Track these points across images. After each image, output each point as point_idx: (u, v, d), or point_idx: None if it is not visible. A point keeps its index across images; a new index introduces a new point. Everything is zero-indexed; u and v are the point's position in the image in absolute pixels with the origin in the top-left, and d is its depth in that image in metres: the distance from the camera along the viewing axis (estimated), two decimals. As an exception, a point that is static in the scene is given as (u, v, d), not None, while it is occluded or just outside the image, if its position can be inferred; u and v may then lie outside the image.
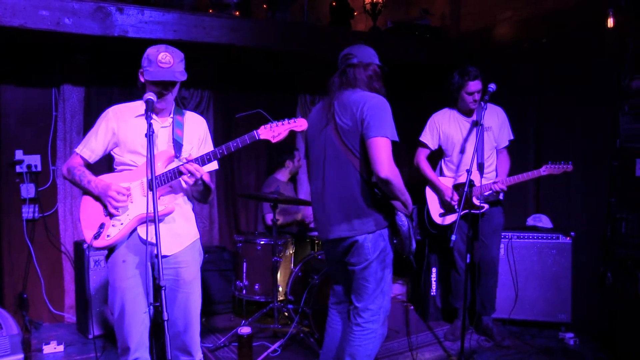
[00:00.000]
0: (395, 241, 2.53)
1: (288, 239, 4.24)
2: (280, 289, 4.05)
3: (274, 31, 4.08)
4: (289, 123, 2.33)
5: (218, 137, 4.74)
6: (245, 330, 3.34)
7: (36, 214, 4.06)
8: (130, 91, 4.13)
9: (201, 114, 4.60)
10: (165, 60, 2.29)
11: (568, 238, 3.88)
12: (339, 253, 2.60)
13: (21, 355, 2.79)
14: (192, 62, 4.45)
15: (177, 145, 2.38)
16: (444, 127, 3.71)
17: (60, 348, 3.58)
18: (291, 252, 4.27)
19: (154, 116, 2.34)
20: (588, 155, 3.92)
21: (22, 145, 4.00)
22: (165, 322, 1.89)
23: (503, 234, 3.89)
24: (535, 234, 3.96)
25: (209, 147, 2.55)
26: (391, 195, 2.43)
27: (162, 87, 2.31)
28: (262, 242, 4.06)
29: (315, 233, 4.32)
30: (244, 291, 4.02)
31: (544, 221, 4.12)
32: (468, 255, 3.22)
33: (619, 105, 3.74)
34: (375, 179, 2.40)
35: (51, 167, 4.11)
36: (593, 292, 3.86)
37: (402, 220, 2.47)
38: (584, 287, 3.90)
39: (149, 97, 2.21)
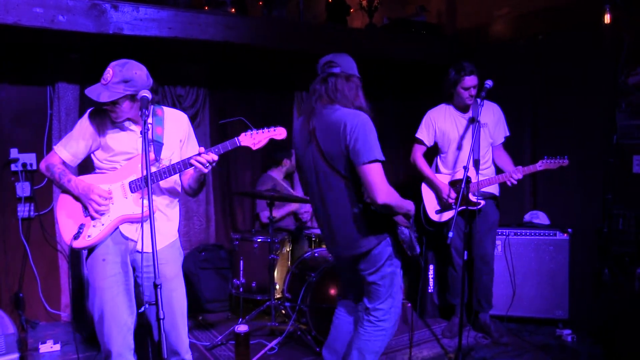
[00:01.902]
0: (403, 245, 2.53)
1: (285, 237, 4.23)
2: (277, 286, 4.04)
3: (269, 28, 4.07)
4: (268, 131, 2.36)
5: (214, 134, 4.74)
6: (242, 328, 3.33)
7: (32, 213, 4.04)
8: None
9: (197, 112, 4.62)
10: (105, 77, 2.25)
11: (565, 235, 3.88)
12: (348, 262, 2.62)
13: (16, 355, 2.78)
14: (187, 60, 4.49)
15: (158, 146, 2.38)
16: (440, 123, 3.70)
17: (57, 347, 3.57)
18: (288, 249, 4.27)
19: (132, 126, 2.38)
20: (585, 152, 3.92)
21: (17, 143, 3.98)
22: (162, 320, 1.88)
23: (500, 230, 3.89)
24: (532, 231, 3.96)
25: (192, 144, 2.56)
26: (392, 214, 2.44)
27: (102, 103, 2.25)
28: (259, 240, 4.05)
29: (312, 231, 4.31)
30: (241, 289, 4.02)
31: (541, 218, 4.13)
32: (465, 252, 3.21)
33: (616, 102, 3.75)
34: (369, 201, 2.36)
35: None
36: (590, 289, 3.87)
37: (404, 232, 2.49)
38: (581, 284, 3.90)
39: (144, 94, 2.23)
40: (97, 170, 2.43)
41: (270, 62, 4.79)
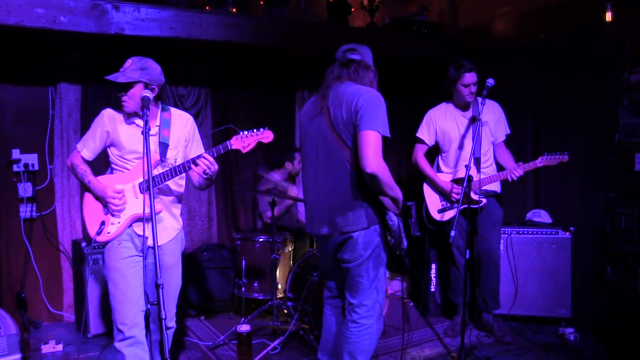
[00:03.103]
0: (390, 240, 2.50)
1: (287, 236, 4.23)
2: (280, 286, 4.04)
3: (271, 28, 4.07)
4: (256, 134, 2.48)
5: (216, 134, 4.73)
6: (244, 328, 3.34)
7: (34, 213, 4.04)
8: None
9: (199, 111, 4.62)
10: (124, 66, 2.46)
11: (567, 233, 3.87)
12: (332, 249, 2.58)
13: (19, 355, 2.78)
14: (189, 60, 4.49)
15: (163, 147, 2.56)
16: (441, 122, 3.70)
17: (59, 347, 3.57)
18: (290, 249, 4.27)
19: (140, 122, 2.50)
20: (587, 150, 3.92)
21: (19, 144, 3.99)
22: (164, 320, 1.92)
23: (502, 229, 3.88)
24: (534, 229, 3.95)
25: (197, 144, 2.73)
26: (379, 190, 2.39)
27: (117, 88, 2.46)
28: (261, 240, 4.05)
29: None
30: (243, 289, 4.02)
31: (544, 216, 4.12)
32: (467, 251, 3.21)
33: (618, 100, 3.74)
34: (362, 173, 2.35)
35: (49, 166, 4.09)
36: (593, 287, 3.86)
37: (392, 219, 2.45)
38: (584, 283, 3.89)
39: (145, 94, 2.31)
40: (113, 166, 2.64)
41: (272, 62, 4.78)
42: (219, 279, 4.33)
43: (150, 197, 2.01)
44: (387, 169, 2.35)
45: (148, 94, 2.31)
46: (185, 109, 4.50)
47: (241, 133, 2.46)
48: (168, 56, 4.34)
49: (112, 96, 4.17)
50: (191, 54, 4.38)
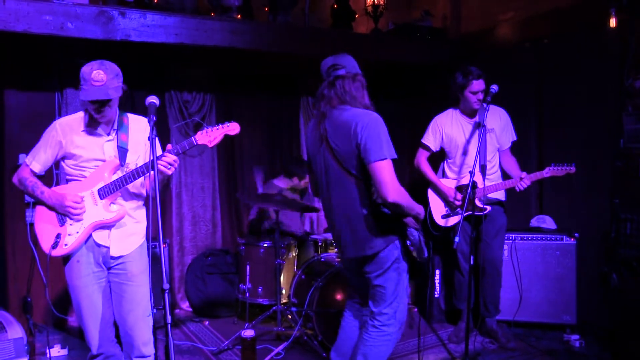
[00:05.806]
0: (410, 248, 2.54)
1: (291, 242, 4.23)
2: (284, 291, 4.05)
3: (275, 34, 4.09)
4: (223, 128, 2.40)
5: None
6: (248, 333, 3.34)
7: (40, 218, 4.06)
8: (131, 94, 4.14)
9: (204, 117, 4.65)
10: (98, 79, 2.29)
11: (572, 239, 3.86)
12: (355, 264, 2.64)
13: (25, 359, 2.80)
14: (194, 66, 4.52)
15: (122, 152, 2.46)
16: (447, 129, 3.70)
17: (64, 352, 3.58)
18: (294, 254, 4.27)
19: (100, 130, 2.45)
20: (591, 156, 3.91)
21: (26, 149, 3.96)
22: (169, 324, 1.91)
23: (507, 235, 3.87)
24: (539, 235, 3.94)
25: (156, 147, 2.58)
26: (401, 213, 2.45)
27: (99, 104, 2.34)
28: (265, 245, 4.06)
29: (317, 236, 4.32)
30: (247, 294, 4.02)
31: (548, 222, 4.11)
32: (472, 257, 3.20)
33: (622, 106, 3.73)
34: (380, 200, 2.40)
35: (54, 171, 4.11)
36: (598, 293, 3.84)
37: (413, 234, 2.50)
38: (589, 288, 3.88)
39: (152, 100, 2.24)
40: (68, 177, 2.51)
41: (276, 68, 4.80)
42: (223, 284, 4.34)
43: (156, 206, 1.94)
44: (406, 193, 2.37)
45: (154, 100, 2.24)
46: (190, 115, 4.54)
47: (206, 128, 2.40)
48: (173, 62, 4.39)
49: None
50: (196, 60, 4.41)
